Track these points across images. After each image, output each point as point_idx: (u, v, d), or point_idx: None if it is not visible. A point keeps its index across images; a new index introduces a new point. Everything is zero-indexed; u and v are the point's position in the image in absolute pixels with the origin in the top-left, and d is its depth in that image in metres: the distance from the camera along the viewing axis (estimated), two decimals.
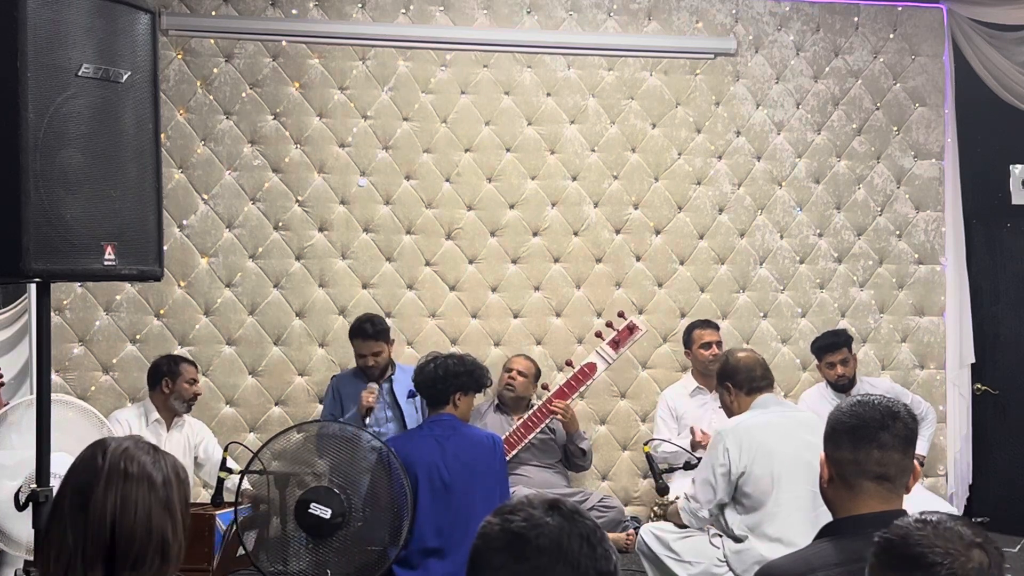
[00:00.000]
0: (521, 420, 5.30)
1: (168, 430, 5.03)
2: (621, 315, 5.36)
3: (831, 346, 5.52)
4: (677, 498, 4.23)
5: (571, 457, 5.47)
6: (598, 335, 5.39)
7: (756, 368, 4.07)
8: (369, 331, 5.20)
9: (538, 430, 5.27)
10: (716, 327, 5.61)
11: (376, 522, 4.16)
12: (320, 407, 5.60)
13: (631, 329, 5.29)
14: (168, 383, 4.98)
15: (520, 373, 5.48)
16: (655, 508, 4.77)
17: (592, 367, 5.29)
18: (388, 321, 5.66)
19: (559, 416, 5.26)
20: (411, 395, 5.12)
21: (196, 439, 5.13)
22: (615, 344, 5.29)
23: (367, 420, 5.12)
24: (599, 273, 5.91)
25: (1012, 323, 6.25)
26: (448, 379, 4.32)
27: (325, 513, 4.03)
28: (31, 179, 2.71)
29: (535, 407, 5.32)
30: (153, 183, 3.07)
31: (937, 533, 1.67)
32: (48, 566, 1.88)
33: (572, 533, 1.50)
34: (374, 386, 5.17)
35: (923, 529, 1.68)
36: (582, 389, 5.35)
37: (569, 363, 5.43)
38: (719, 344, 5.46)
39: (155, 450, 1.99)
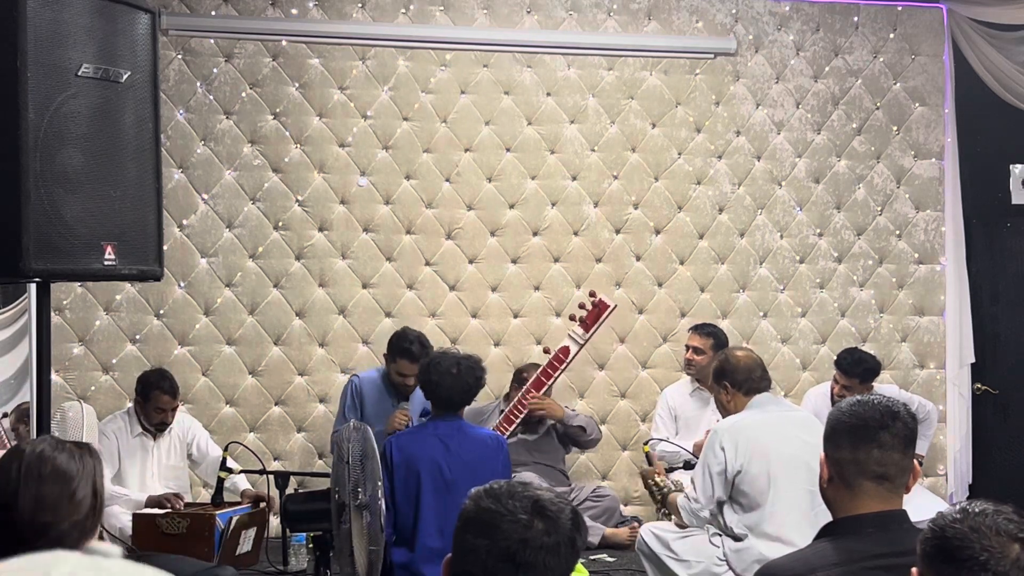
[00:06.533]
0: (503, 414, 5.21)
1: (155, 439, 5.01)
2: (592, 295, 5.24)
3: (846, 373, 5.33)
4: (672, 491, 4.23)
5: (575, 439, 5.40)
6: (571, 318, 5.24)
7: (756, 369, 4.05)
8: (416, 353, 4.91)
9: (518, 423, 5.18)
10: (706, 333, 5.44)
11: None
12: (320, 407, 5.60)
13: (599, 307, 5.14)
14: (140, 403, 4.97)
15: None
16: (655, 494, 4.72)
17: (566, 351, 5.16)
18: (388, 321, 5.66)
19: (537, 413, 5.20)
20: (424, 414, 5.02)
21: (188, 437, 5.10)
22: (585, 324, 5.15)
23: None
24: (599, 273, 5.90)
25: (1012, 323, 6.25)
26: (477, 389, 4.28)
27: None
28: (31, 179, 2.71)
29: (514, 400, 5.21)
30: (153, 183, 3.08)
31: (974, 527, 1.67)
32: None
33: None
34: (407, 407, 4.99)
35: (961, 524, 1.68)
36: (557, 375, 5.21)
37: (547, 350, 5.35)
38: (696, 350, 5.40)
39: (66, 446, 2.12)
